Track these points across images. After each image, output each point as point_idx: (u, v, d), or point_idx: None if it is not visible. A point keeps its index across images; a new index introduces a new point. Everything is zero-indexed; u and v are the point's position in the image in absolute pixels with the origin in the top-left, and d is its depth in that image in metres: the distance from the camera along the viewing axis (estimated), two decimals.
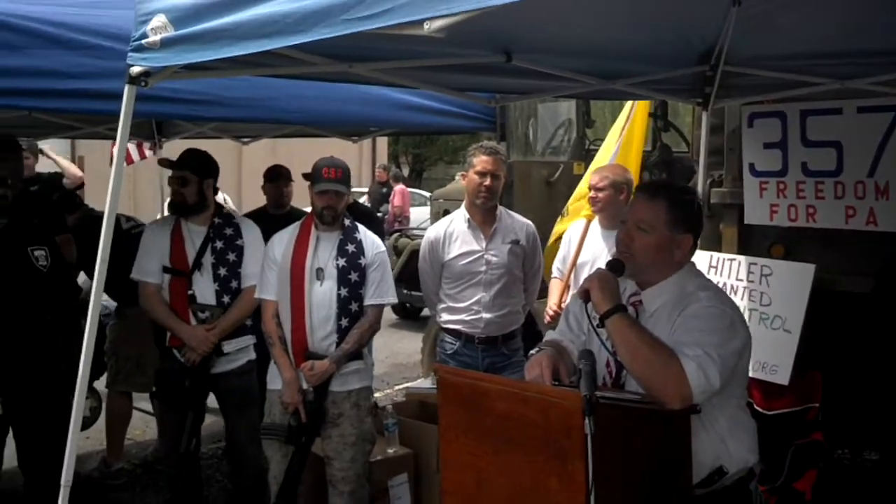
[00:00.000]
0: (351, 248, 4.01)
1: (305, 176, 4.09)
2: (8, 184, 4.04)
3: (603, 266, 2.69)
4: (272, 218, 5.39)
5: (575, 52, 3.63)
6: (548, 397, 2.25)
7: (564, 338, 2.79)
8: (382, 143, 27.90)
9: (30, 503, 4.16)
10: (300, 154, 7.62)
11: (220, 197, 7.42)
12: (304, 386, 3.91)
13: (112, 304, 5.41)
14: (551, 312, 4.62)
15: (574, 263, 4.64)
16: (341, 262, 3.97)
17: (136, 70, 2.86)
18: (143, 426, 6.28)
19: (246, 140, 7.24)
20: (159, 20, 2.73)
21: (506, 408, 2.32)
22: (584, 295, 2.56)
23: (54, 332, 4.06)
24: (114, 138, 6.54)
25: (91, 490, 4.86)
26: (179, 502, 4.40)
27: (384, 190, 17.61)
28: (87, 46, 3.37)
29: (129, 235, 5.32)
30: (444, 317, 4.50)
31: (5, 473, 4.17)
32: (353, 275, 3.97)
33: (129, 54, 2.86)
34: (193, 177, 4.25)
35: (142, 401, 5.89)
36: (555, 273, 4.83)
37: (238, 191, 19.42)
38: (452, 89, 4.30)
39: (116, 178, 3.02)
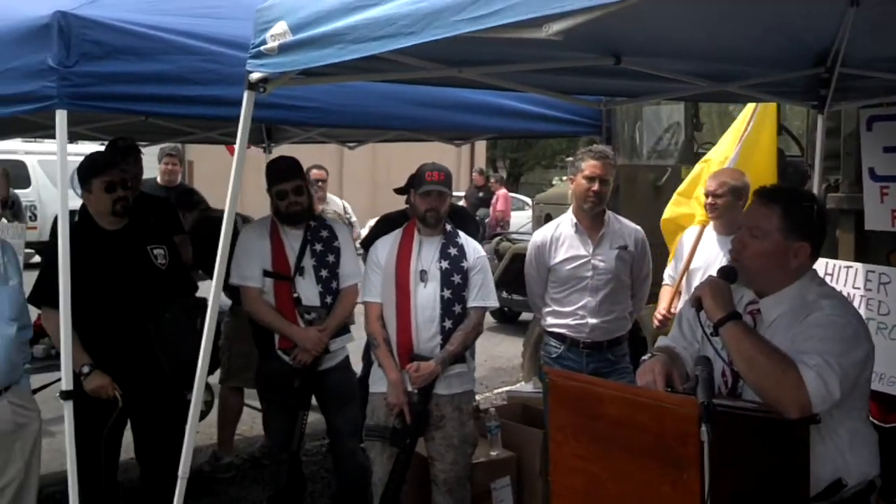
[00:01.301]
0: (453, 251, 4.05)
1: (398, 191, 4.17)
2: (129, 186, 4.21)
3: (710, 275, 2.64)
4: (392, 220, 5.46)
5: (686, 53, 3.58)
6: (663, 403, 2.22)
7: (677, 344, 2.75)
8: (480, 147, 27.98)
9: (146, 494, 4.31)
10: (399, 158, 7.74)
11: (339, 203, 7.62)
12: (409, 388, 3.95)
13: (227, 302, 5.57)
14: (660, 317, 4.55)
15: (686, 269, 4.56)
16: (444, 264, 4.01)
17: (254, 76, 2.96)
18: (250, 422, 6.44)
19: (352, 145, 7.37)
20: (280, 27, 2.82)
21: (618, 412, 2.31)
22: (696, 303, 2.52)
23: (171, 328, 4.20)
24: (225, 143, 6.84)
25: (201, 482, 5.00)
26: (283, 498, 4.52)
27: (481, 194, 17.66)
28: (208, 53, 3.47)
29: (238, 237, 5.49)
30: (549, 320, 4.48)
31: (123, 465, 4.31)
32: (455, 277, 4.00)
33: (249, 61, 2.96)
34: (305, 184, 4.37)
35: (250, 397, 6.07)
36: (666, 280, 4.75)
37: (339, 194, 19.78)
38: (560, 92, 4.29)
39: (235, 180, 3.13)
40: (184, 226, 5.43)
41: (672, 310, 4.50)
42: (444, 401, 4.01)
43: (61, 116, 3.21)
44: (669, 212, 5.19)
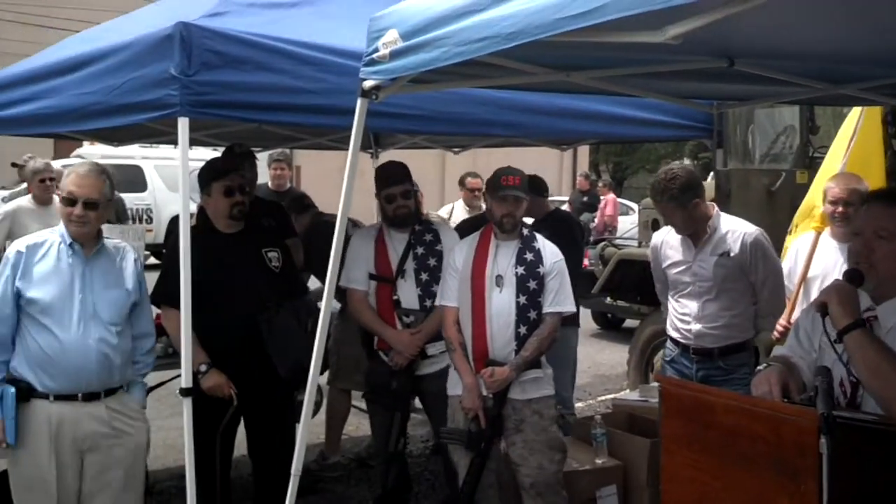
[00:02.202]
0: (529, 256, 4.04)
1: (486, 187, 4.18)
2: (245, 191, 4.34)
3: (836, 279, 2.56)
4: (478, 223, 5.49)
5: (802, 55, 3.47)
6: (780, 414, 2.17)
7: (794, 354, 2.67)
8: (583, 151, 27.77)
9: (258, 490, 4.44)
10: (499, 162, 7.72)
11: (447, 208, 7.69)
12: (484, 392, 3.96)
13: (337, 305, 5.69)
14: (780, 328, 4.40)
15: (803, 278, 4.41)
16: (520, 270, 4.00)
17: (367, 84, 3.02)
18: (356, 423, 6.56)
19: (456, 150, 7.43)
20: (391, 35, 2.87)
21: (733, 422, 2.26)
22: (822, 308, 2.44)
23: (282, 330, 4.30)
24: (335, 148, 6.99)
25: (309, 481, 5.11)
26: (389, 498, 4.57)
27: (585, 199, 17.49)
28: (321, 63, 3.55)
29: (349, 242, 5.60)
30: (667, 323, 4.47)
31: (235, 461, 4.41)
32: (531, 283, 3.99)
33: (362, 69, 3.03)
34: (413, 189, 4.43)
35: (357, 399, 6.17)
36: None
37: (441, 198, 19.96)
38: (671, 96, 4.23)
39: (348, 186, 3.19)
40: (296, 229, 5.57)
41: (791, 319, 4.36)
42: (522, 405, 4.01)
43: (183, 123, 3.34)
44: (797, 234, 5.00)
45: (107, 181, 3.59)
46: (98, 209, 3.53)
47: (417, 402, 4.76)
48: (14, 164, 8.50)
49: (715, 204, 4.42)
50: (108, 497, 3.63)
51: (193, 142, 6.46)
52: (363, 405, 6.24)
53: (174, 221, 3.86)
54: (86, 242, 3.60)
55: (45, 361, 3.48)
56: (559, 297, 4.06)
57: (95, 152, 16.23)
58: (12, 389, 3.47)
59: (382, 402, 4.44)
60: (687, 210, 4.14)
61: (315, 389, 3.27)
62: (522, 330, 3.97)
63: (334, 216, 6.33)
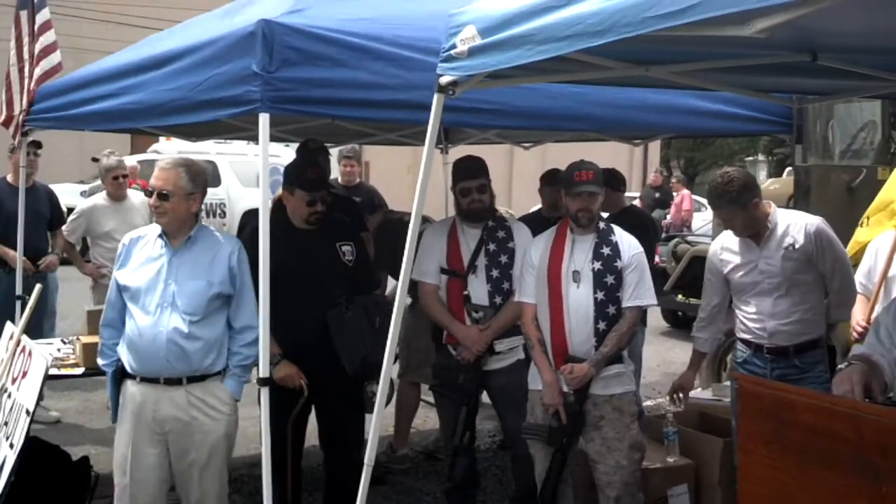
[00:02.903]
0: (606, 250, 4.01)
1: (561, 182, 4.16)
2: (326, 201, 4.38)
3: None
4: (547, 221, 5.48)
5: (885, 49, 3.38)
6: (862, 413, 2.13)
7: (875, 352, 2.62)
8: (655, 146, 27.39)
9: (328, 480, 4.52)
10: (569, 157, 7.68)
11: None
12: (565, 388, 3.96)
13: (409, 299, 5.73)
14: (859, 329, 4.29)
15: (884, 276, 4.30)
16: (597, 265, 3.98)
17: (444, 80, 3.04)
18: (424, 416, 6.61)
19: (527, 145, 7.42)
20: (469, 31, 2.89)
21: (812, 421, 2.23)
22: None
23: (350, 325, 4.35)
24: (405, 143, 7.05)
25: (378, 472, 5.17)
26: (457, 492, 4.61)
27: (657, 195, 17.28)
28: (398, 59, 3.59)
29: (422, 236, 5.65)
30: (737, 324, 4.36)
31: (306, 451, 4.48)
32: (608, 278, 3.97)
33: (439, 64, 3.06)
34: (489, 183, 4.44)
35: (426, 393, 6.22)
36: (858, 288, 4.49)
37: (509, 194, 19.91)
38: (751, 90, 4.16)
39: (423, 181, 3.22)
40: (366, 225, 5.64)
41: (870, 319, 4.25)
42: (602, 401, 3.99)
43: (264, 119, 3.41)
44: (868, 234, 4.88)
45: (184, 174, 3.71)
46: (170, 200, 3.68)
47: (485, 397, 4.78)
48: (94, 159, 8.77)
49: (771, 201, 4.31)
50: (192, 480, 3.78)
51: (273, 137, 6.62)
52: (432, 398, 6.31)
53: (247, 216, 3.96)
54: (173, 233, 3.75)
55: (130, 345, 3.73)
56: (639, 291, 4.02)
57: (171, 148, 16.62)
58: (113, 369, 3.79)
59: (450, 395, 4.47)
60: (747, 210, 4.05)
61: (388, 382, 3.30)
62: (601, 326, 3.95)
63: (403, 213, 6.41)
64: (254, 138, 8.54)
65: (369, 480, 3.38)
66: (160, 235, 3.79)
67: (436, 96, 3.10)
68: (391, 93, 3.61)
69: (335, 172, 6.79)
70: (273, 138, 6.81)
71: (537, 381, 4.07)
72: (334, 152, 6.86)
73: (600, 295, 3.95)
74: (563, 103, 4.23)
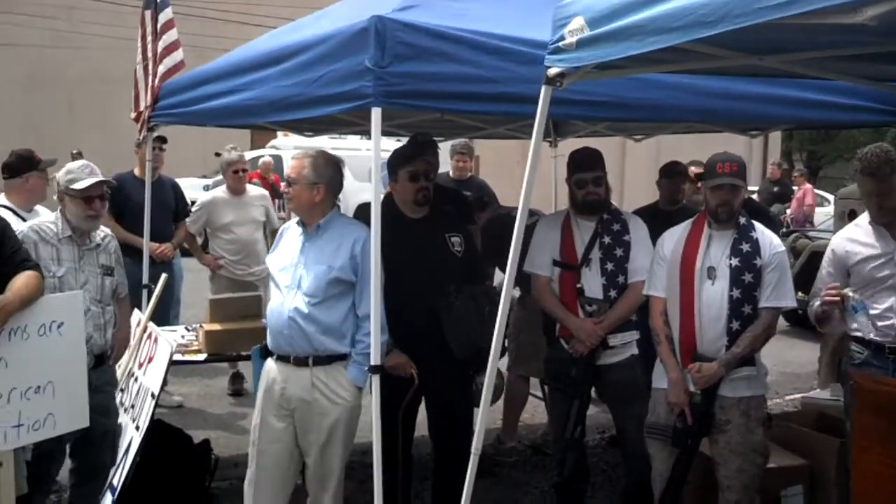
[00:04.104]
0: (746, 247, 3.88)
1: (698, 176, 4.04)
2: (430, 178, 4.48)
3: None
4: (664, 213, 5.40)
5: None
6: None
7: None
8: (775, 138, 26.53)
9: (437, 469, 4.58)
10: (684, 149, 7.53)
11: None
12: (692, 388, 3.86)
13: (517, 292, 5.75)
14: None
15: None
16: (734, 261, 3.85)
17: (552, 72, 3.04)
18: (532, 410, 6.62)
19: (638, 137, 7.30)
20: (577, 22, 2.88)
21: None
22: None
23: (460, 314, 4.39)
24: (513, 137, 7.05)
25: (485, 464, 5.21)
26: (566, 486, 4.59)
27: (776, 189, 16.72)
28: (506, 52, 3.60)
29: (530, 230, 5.64)
30: (853, 323, 4.18)
31: (415, 440, 4.56)
32: (746, 276, 3.83)
33: (547, 56, 3.05)
34: (604, 176, 4.42)
35: (535, 387, 6.23)
36: None
37: (621, 186, 19.60)
38: (870, 79, 3.99)
39: (530, 174, 3.23)
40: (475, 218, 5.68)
41: None
42: (730, 404, 3.87)
43: (376, 114, 3.49)
44: None
45: (309, 164, 3.92)
46: (294, 186, 3.92)
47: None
48: (217, 154, 9.12)
49: None
50: (313, 459, 3.97)
51: (384, 132, 6.73)
52: (540, 392, 6.32)
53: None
54: (305, 220, 3.99)
55: (268, 323, 4.02)
56: (778, 292, 3.88)
57: (289, 143, 17.10)
58: (258, 346, 4.11)
59: (561, 389, 4.46)
60: None
61: (495, 373, 3.32)
62: (735, 325, 3.82)
63: (512, 209, 6.41)
64: (366, 133, 8.74)
65: (476, 470, 3.40)
66: (298, 222, 4.05)
67: (543, 88, 3.09)
68: (500, 86, 3.63)
69: (445, 166, 6.86)
70: (384, 133, 6.97)
71: (662, 379, 3.99)
72: (445, 147, 6.93)
73: (736, 293, 3.83)
74: (676, 94, 4.14)
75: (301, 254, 3.95)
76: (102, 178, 4.29)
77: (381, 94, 3.46)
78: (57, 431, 3.57)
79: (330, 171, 3.97)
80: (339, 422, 3.90)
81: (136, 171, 6.89)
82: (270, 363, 4.02)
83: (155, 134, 6.21)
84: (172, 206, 7.04)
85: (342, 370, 3.90)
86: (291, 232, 4.10)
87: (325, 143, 16.95)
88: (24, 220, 4.70)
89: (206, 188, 15.31)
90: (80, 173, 4.27)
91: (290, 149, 16.83)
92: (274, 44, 4.59)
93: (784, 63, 3.42)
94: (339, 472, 3.99)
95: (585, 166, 4.42)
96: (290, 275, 3.92)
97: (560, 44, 2.96)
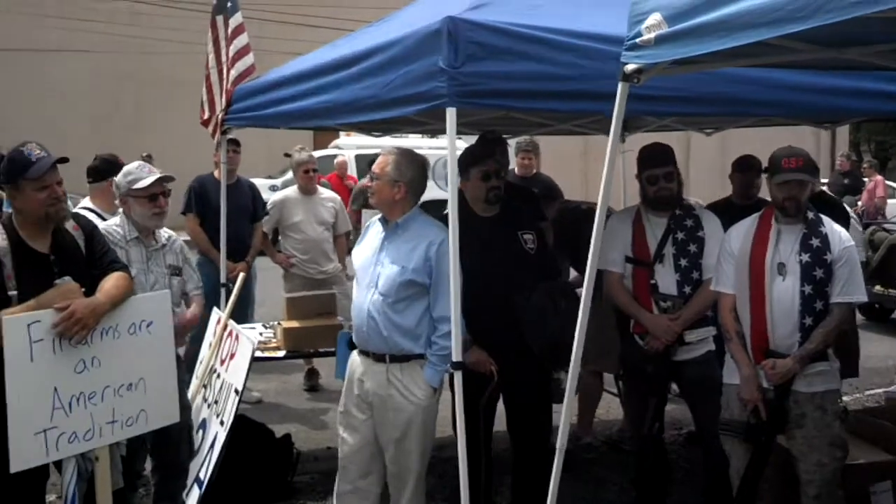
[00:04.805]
0: (815, 242, 3.82)
1: (765, 169, 4.01)
2: (500, 176, 4.51)
3: None
4: (737, 208, 5.34)
5: None
6: None
7: None
8: (843, 131, 25.91)
9: (516, 465, 4.58)
10: (750, 142, 7.40)
11: None
12: (764, 384, 3.83)
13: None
14: None
15: None
16: (804, 257, 3.80)
17: (629, 68, 3.03)
18: (606, 406, 6.60)
19: (708, 131, 7.22)
20: (654, 18, 2.86)
21: None
22: None
23: (536, 311, 4.40)
24: (578, 133, 7.03)
25: (564, 459, 5.24)
26: (645, 483, 4.58)
27: (846, 181, 16.34)
28: (579, 49, 3.60)
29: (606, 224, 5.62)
30: None
31: (495, 436, 4.60)
32: (817, 271, 3.77)
33: (623, 53, 3.04)
34: (676, 171, 4.39)
35: (608, 383, 6.22)
36: None
37: (686, 181, 19.23)
38: None
39: (608, 171, 3.23)
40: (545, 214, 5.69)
41: None
42: (805, 399, 3.83)
43: (451, 114, 3.52)
44: None
45: (392, 162, 3.97)
46: (377, 181, 3.99)
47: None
48: (287, 155, 9.26)
49: None
50: (389, 453, 4.03)
51: (439, 130, 6.76)
52: (613, 388, 6.31)
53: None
54: (387, 215, 4.04)
55: (353, 317, 4.08)
56: (849, 287, 3.82)
57: (351, 143, 17.25)
58: (344, 332, 4.23)
59: (637, 385, 4.45)
60: None
61: (578, 369, 3.34)
62: (808, 321, 3.78)
63: (580, 202, 6.40)
64: (429, 132, 8.80)
65: (561, 466, 3.42)
66: (381, 219, 4.11)
67: (620, 85, 3.08)
68: (573, 83, 3.63)
69: (512, 163, 6.87)
70: (439, 130, 6.98)
71: (733, 375, 3.96)
72: (511, 144, 6.95)
73: (808, 289, 3.78)
74: (748, 88, 4.09)
75: (380, 251, 4.01)
76: (162, 175, 4.39)
77: (455, 94, 3.49)
78: (149, 427, 3.69)
79: (412, 170, 4.00)
80: (413, 420, 3.94)
81: (216, 174, 7.05)
82: (355, 355, 4.13)
83: (228, 137, 6.34)
84: (250, 207, 7.18)
85: (418, 369, 3.94)
86: (374, 228, 4.17)
87: (388, 141, 17.11)
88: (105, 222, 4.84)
89: (273, 189, 15.56)
90: (140, 173, 4.38)
91: (352, 148, 17.00)
92: (345, 48, 4.67)
93: (864, 55, 3.36)
94: (418, 471, 4.03)
95: (656, 162, 4.40)
96: (370, 273, 4.00)
97: (637, 40, 2.95)
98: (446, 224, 3.70)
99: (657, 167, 4.38)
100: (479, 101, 3.63)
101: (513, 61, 3.59)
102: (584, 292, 3.30)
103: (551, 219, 5.74)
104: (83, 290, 3.47)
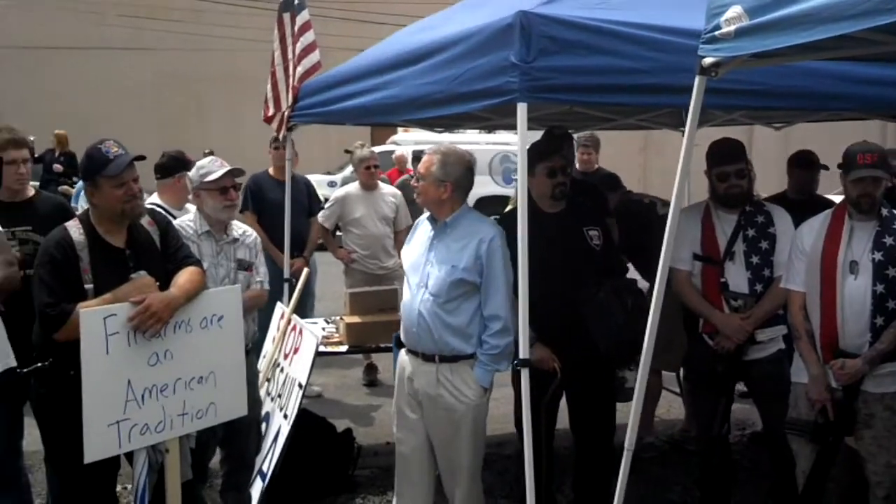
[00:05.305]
0: (889, 240, 3.73)
1: (839, 165, 3.91)
2: (567, 173, 4.48)
3: None
4: (792, 203, 5.23)
5: None
6: None
7: None
8: None
9: (579, 464, 4.57)
10: (816, 137, 7.25)
11: None
12: (833, 384, 3.75)
13: (645, 284, 5.68)
14: None
15: None
16: (877, 255, 3.71)
17: (707, 61, 2.98)
18: (667, 405, 6.52)
19: (778, 125, 7.07)
20: (734, 11, 2.81)
21: None
22: None
23: (603, 308, 4.35)
24: (642, 128, 6.94)
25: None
26: (710, 483, 4.52)
27: None
28: (653, 43, 3.54)
29: (663, 222, 5.52)
30: None
31: (557, 434, 4.56)
32: (890, 270, 3.69)
33: (701, 46, 2.99)
34: (748, 168, 4.31)
35: (669, 382, 6.14)
36: None
37: None
38: None
39: (684, 167, 3.18)
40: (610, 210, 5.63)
41: None
42: (874, 399, 3.75)
43: (522, 109, 3.48)
44: None
45: (437, 161, 3.97)
46: (422, 182, 4.01)
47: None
48: (347, 151, 9.32)
49: None
50: (440, 452, 4.08)
51: (507, 126, 6.72)
52: (674, 387, 6.22)
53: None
54: (435, 215, 4.05)
55: (402, 317, 4.12)
56: None
57: (409, 139, 17.32)
58: (397, 333, 4.24)
59: (706, 385, 4.38)
60: None
61: (648, 368, 3.29)
62: (879, 321, 3.70)
63: (643, 195, 6.30)
64: (490, 128, 8.76)
65: (629, 467, 3.38)
66: (429, 218, 4.11)
67: (697, 78, 3.03)
68: (646, 77, 3.57)
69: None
70: (508, 127, 6.95)
71: (801, 374, 3.90)
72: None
73: (880, 288, 3.70)
74: (822, 81, 3.98)
75: (429, 251, 4.01)
76: (232, 168, 4.43)
77: (526, 89, 3.45)
78: (218, 420, 3.72)
79: (459, 169, 3.99)
80: (463, 419, 3.94)
81: (271, 171, 7.12)
82: (403, 354, 4.14)
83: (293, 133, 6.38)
84: (306, 203, 7.24)
85: (468, 369, 3.94)
86: (423, 227, 4.17)
87: (444, 136, 17.12)
88: (174, 218, 4.90)
89: (332, 185, 15.68)
90: (212, 166, 4.44)
91: (410, 144, 17.05)
92: (410, 43, 4.66)
93: None
94: (470, 470, 4.03)
95: (728, 159, 4.32)
96: (419, 272, 4.00)
97: (716, 33, 2.90)
98: (504, 221, 3.67)
99: (729, 164, 4.30)
100: (550, 95, 3.60)
101: (585, 55, 3.55)
102: (656, 291, 3.24)
103: (612, 208, 5.67)
104: (158, 284, 3.51)
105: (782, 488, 4.30)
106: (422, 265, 4.00)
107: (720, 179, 4.31)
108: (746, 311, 4.21)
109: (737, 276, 4.27)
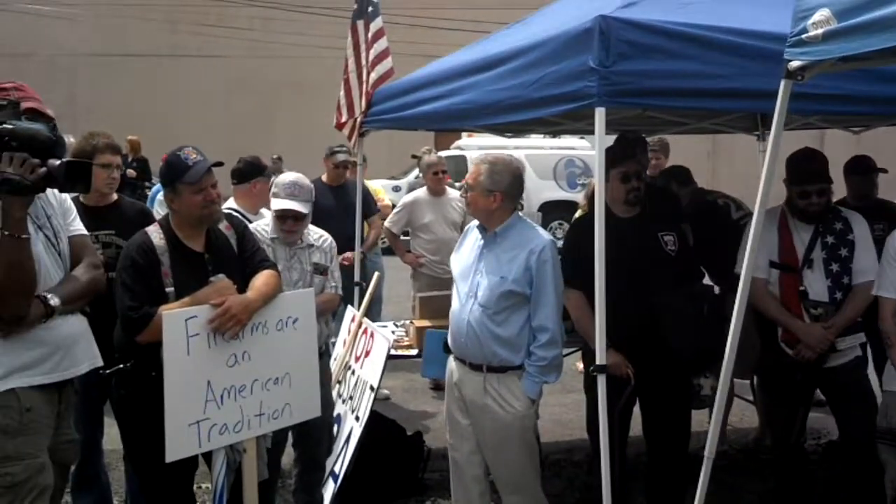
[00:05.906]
0: None
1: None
2: (641, 177, 4.42)
3: None
4: (853, 210, 5.09)
5: None
6: None
7: None
8: None
9: (652, 471, 4.51)
10: (887, 141, 7.04)
11: None
12: None
13: (717, 289, 5.57)
14: None
15: None
16: None
17: (793, 65, 2.92)
18: (739, 413, 6.41)
19: (856, 129, 6.88)
20: (822, 14, 2.75)
21: None
22: None
23: (679, 314, 4.28)
24: (716, 131, 6.82)
25: (699, 467, 5.11)
26: (786, 492, 4.43)
27: None
28: (734, 47, 3.49)
29: (737, 226, 5.43)
30: None
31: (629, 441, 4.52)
32: None
33: (787, 50, 2.94)
34: (828, 185, 4.23)
35: (742, 390, 6.03)
36: None
37: None
38: None
39: (768, 174, 3.12)
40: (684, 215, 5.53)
41: None
42: None
43: (600, 113, 3.46)
44: None
45: (485, 171, 3.96)
46: (471, 192, 3.99)
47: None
48: (414, 156, 9.35)
49: None
50: (490, 459, 4.08)
51: (574, 131, 6.67)
52: (747, 395, 6.10)
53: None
54: (485, 225, 4.03)
55: (450, 324, 4.12)
56: None
57: (473, 143, 17.33)
58: (437, 336, 4.29)
59: (784, 394, 4.30)
60: None
61: (729, 377, 3.23)
62: None
63: (716, 194, 6.17)
64: (559, 132, 8.71)
65: (709, 475, 3.33)
66: (478, 226, 4.10)
67: (783, 82, 2.97)
68: (726, 81, 3.52)
69: None
70: (575, 131, 6.88)
71: (894, 383, 3.84)
72: None
73: None
74: None
75: (479, 260, 3.99)
76: (293, 207, 4.39)
77: (605, 93, 3.43)
78: (293, 420, 3.77)
79: (507, 178, 3.97)
80: (510, 430, 3.93)
81: (324, 178, 7.21)
82: (451, 362, 4.15)
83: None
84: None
85: (516, 380, 3.92)
86: (473, 234, 4.15)
87: (509, 142, 17.09)
88: (250, 223, 4.98)
89: (396, 189, 15.78)
90: (281, 191, 4.46)
91: (474, 149, 17.07)
92: (486, 49, 4.66)
93: None
94: (522, 480, 4.02)
95: (811, 178, 4.23)
96: (469, 281, 3.99)
97: (803, 36, 2.84)
98: (577, 227, 3.63)
99: (811, 183, 4.21)
100: (628, 100, 3.57)
101: (664, 60, 3.51)
102: (738, 299, 3.18)
103: (684, 206, 5.58)
104: (235, 286, 3.57)
105: (866, 497, 4.20)
106: (471, 274, 3.99)
107: (801, 197, 4.23)
108: (827, 319, 4.11)
109: (816, 284, 4.19)
